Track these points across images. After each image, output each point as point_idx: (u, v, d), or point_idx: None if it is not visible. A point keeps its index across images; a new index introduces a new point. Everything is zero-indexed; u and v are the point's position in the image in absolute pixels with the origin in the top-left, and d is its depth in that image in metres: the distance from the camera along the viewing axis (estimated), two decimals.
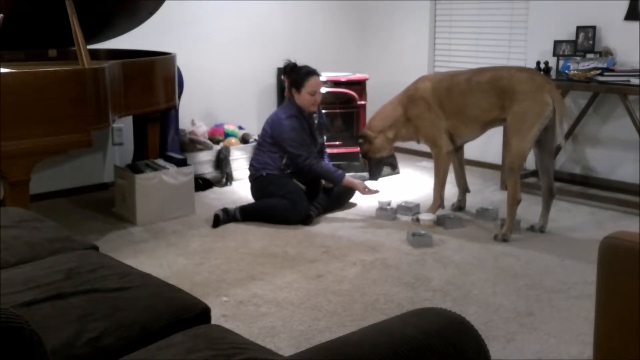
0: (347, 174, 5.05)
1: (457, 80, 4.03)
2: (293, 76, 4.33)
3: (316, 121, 4.44)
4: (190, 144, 5.04)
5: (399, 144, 6.12)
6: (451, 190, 4.48)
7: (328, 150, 5.14)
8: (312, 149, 4.31)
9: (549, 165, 3.97)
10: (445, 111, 4.05)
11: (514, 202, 3.82)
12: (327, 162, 4.49)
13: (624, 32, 4.62)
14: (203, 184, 4.90)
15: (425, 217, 4.11)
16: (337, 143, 5.39)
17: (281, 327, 2.79)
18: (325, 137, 4.68)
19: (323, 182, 4.40)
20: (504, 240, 3.81)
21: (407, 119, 4.21)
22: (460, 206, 4.42)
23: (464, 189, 4.43)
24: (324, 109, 5.19)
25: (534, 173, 4.91)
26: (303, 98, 4.28)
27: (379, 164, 4.51)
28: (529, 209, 4.29)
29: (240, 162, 5.11)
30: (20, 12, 3.70)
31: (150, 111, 4.29)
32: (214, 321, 2.04)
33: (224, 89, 5.57)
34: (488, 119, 3.94)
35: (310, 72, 4.32)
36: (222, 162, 5.06)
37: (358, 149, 5.40)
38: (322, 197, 4.36)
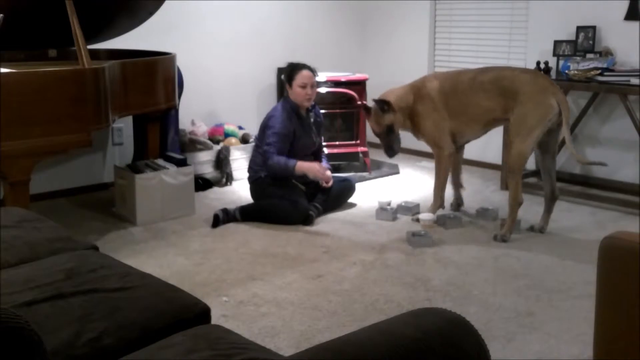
0: (348, 174, 5.07)
1: (461, 79, 3.99)
2: (286, 72, 4.35)
3: (312, 120, 4.43)
4: (190, 144, 5.04)
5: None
6: (451, 190, 4.48)
7: (328, 151, 5.16)
8: (282, 150, 4.24)
9: (551, 167, 3.97)
10: (450, 111, 3.99)
11: (515, 204, 3.81)
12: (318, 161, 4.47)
13: (624, 32, 4.62)
14: (203, 184, 4.90)
15: (425, 217, 4.11)
16: (337, 143, 5.39)
17: (281, 327, 2.79)
18: (322, 137, 4.66)
19: (321, 182, 4.39)
20: (503, 240, 3.80)
21: (410, 112, 4.12)
22: (458, 203, 4.41)
23: (458, 185, 4.42)
24: (324, 109, 5.20)
25: (534, 173, 4.91)
26: (295, 92, 4.28)
27: (398, 137, 4.19)
28: (530, 209, 4.28)
29: (240, 162, 5.11)
30: (20, 12, 3.70)
31: (150, 111, 4.29)
32: (214, 321, 2.05)
33: (224, 89, 5.57)
34: (489, 118, 3.93)
35: (302, 66, 4.33)
36: (222, 162, 5.06)
37: (357, 150, 5.43)
38: (322, 197, 4.36)
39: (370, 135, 5.79)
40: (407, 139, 4.71)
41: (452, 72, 4.27)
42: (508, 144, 3.87)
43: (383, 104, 4.07)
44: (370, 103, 4.34)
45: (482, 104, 3.89)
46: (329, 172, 4.29)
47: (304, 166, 4.19)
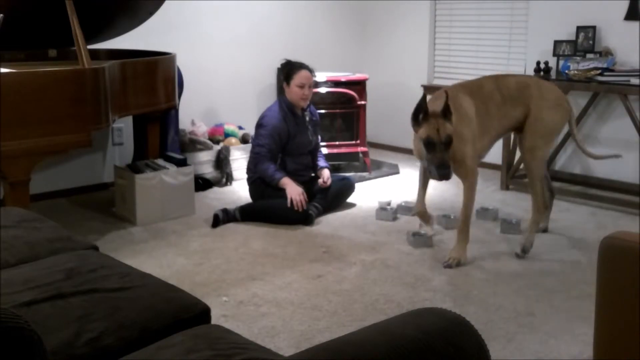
0: (348, 174, 5.07)
1: (486, 92, 3.58)
2: (284, 70, 4.35)
3: (307, 118, 4.43)
4: (190, 144, 5.04)
5: (397, 142, 6.17)
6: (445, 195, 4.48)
7: (328, 151, 5.16)
8: (275, 153, 4.25)
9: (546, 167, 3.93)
10: (483, 129, 3.53)
11: (542, 208, 3.73)
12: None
13: (624, 32, 4.62)
14: (203, 184, 4.90)
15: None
16: (337, 143, 5.39)
17: (281, 327, 2.79)
18: (319, 137, 4.66)
19: (319, 182, 4.40)
20: (524, 252, 3.59)
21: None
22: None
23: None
24: (324, 109, 5.20)
25: None
26: (292, 91, 4.29)
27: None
28: (530, 209, 4.28)
29: (240, 162, 5.11)
30: (20, 12, 3.70)
31: (150, 111, 4.29)
32: (214, 321, 2.04)
33: (224, 89, 5.57)
34: (509, 128, 3.72)
35: (301, 66, 4.34)
36: (222, 162, 5.06)
37: (357, 150, 5.42)
38: (321, 197, 4.36)
39: (370, 135, 5.82)
40: (406, 137, 4.68)
41: (472, 85, 3.67)
42: (529, 150, 3.63)
43: (448, 109, 3.28)
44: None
45: (511, 114, 3.63)
46: (301, 197, 4.11)
47: (287, 184, 4.16)
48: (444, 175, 3.25)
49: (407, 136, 4.39)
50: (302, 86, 4.28)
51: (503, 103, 3.60)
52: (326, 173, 4.42)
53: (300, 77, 4.27)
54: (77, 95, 3.34)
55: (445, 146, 3.25)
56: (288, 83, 4.30)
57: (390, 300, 3.06)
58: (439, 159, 3.24)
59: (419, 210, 3.85)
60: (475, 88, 3.62)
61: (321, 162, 4.51)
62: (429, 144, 3.25)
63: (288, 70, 4.32)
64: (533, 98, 3.64)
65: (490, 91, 3.60)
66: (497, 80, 3.72)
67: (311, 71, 4.36)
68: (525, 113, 3.63)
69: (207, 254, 3.66)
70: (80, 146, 3.46)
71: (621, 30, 4.63)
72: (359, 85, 5.37)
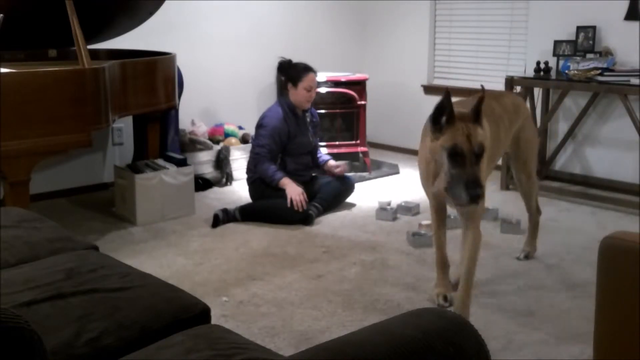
0: (348, 174, 5.07)
1: (496, 113, 3.08)
2: (290, 72, 4.36)
3: (308, 119, 4.44)
4: (190, 144, 5.04)
5: (397, 142, 6.16)
6: None
7: (328, 150, 5.16)
8: (275, 153, 4.27)
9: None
10: (492, 157, 3.00)
11: (538, 215, 3.68)
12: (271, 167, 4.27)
13: (624, 32, 4.62)
14: (203, 184, 4.90)
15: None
16: (337, 143, 5.40)
17: (281, 327, 2.79)
18: (318, 138, 4.67)
19: (337, 170, 4.43)
20: (527, 258, 3.58)
21: None
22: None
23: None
24: (324, 109, 5.21)
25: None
26: (299, 93, 4.30)
27: None
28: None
29: (240, 162, 5.12)
30: (20, 12, 3.70)
31: (150, 111, 4.29)
32: (214, 321, 2.04)
33: (224, 89, 5.57)
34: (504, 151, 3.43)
35: (308, 68, 4.37)
36: (222, 162, 5.06)
37: (357, 150, 5.42)
38: (321, 196, 4.36)
39: (370, 135, 5.82)
40: (406, 137, 4.70)
41: (485, 105, 2.84)
42: (529, 175, 3.48)
43: (480, 112, 2.59)
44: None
45: (510, 138, 3.27)
46: (301, 197, 4.11)
47: (287, 184, 4.16)
48: (474, 198, 2.46)
49: (407, 136, 4.41)
50: (309, 89, 4.31)
51: (508, 126, 3.19)
52: (333, 162, 4.49)
53: (308, 80, 4.31)
54: (77, 95, 3.34)
55: (477, 158, 2.52)
56: (295, 85, 4.31)
57: (390, 300, 3.06)
58: (469, 175, 2.46)
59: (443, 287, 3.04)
60: (488, 109, 2.89)
61: (323, 156, 4.55)
62: (456, 155, 2.49)
63: (295, 72, 4.33)
64: (523, 118, 3.40)
65: (499, 113, 3.10)
66: (498, 100, 3.24)
67: (315, 72, 4.40)
68: (515, 135, 3.32)
69: (207, 254, 3.66)
70: (80, 146, 3.46)
71: (621, 30, 4.63)
72: (359, 85, 5.38)
